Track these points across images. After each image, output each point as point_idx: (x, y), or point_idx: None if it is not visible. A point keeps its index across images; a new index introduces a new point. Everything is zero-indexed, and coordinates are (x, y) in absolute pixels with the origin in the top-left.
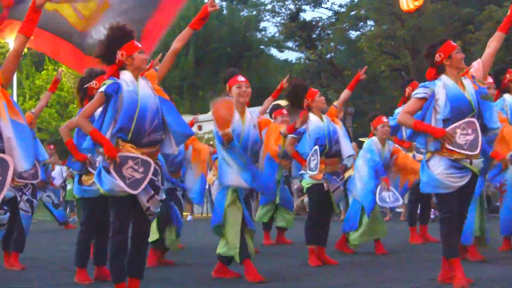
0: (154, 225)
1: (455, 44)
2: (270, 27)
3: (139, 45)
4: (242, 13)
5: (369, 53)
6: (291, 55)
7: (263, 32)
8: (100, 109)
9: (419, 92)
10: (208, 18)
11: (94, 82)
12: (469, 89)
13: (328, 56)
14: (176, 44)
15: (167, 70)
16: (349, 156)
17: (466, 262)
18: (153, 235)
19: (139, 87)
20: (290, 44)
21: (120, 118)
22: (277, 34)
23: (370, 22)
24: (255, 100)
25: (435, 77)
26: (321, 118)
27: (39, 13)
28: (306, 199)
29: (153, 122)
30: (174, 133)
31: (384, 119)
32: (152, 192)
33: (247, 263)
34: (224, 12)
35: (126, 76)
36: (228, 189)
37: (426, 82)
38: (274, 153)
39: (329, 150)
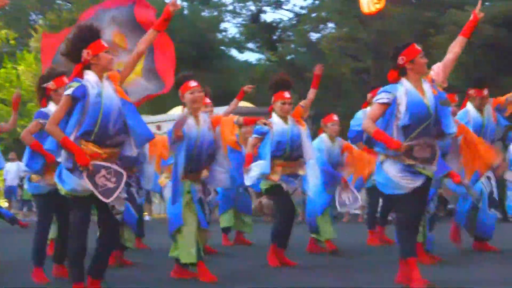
0: None
1: (419, 48)
2: (231, 28)
3: (106, 45)
4: (203, 14)
5: (330, 55)
6: (251, 57)
7: (224, 33)
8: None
9: (382, 97)
10: (171, 19)
11: (51, 82)
12: (428, 94)
13: (289, 57)
14: (140, 46)
15: (130, 72)
16: None
17: (425, 265)
18: None
19: (103, 89)
20: (251, 45)
21: (84, 122)
22: (238, 35)
23: (331, 24)
24: (217, 100)
25: (397, 80)
26: (286, 121)
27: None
28: (264, 200)
29: (116, 124)
30: (135, 135)
31: (335, 117)
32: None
33: (200, 264)
34: (186, 12)
35: (90, 77)
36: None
37: (388, 86)
38: (234, 143)
39: (289, 154)
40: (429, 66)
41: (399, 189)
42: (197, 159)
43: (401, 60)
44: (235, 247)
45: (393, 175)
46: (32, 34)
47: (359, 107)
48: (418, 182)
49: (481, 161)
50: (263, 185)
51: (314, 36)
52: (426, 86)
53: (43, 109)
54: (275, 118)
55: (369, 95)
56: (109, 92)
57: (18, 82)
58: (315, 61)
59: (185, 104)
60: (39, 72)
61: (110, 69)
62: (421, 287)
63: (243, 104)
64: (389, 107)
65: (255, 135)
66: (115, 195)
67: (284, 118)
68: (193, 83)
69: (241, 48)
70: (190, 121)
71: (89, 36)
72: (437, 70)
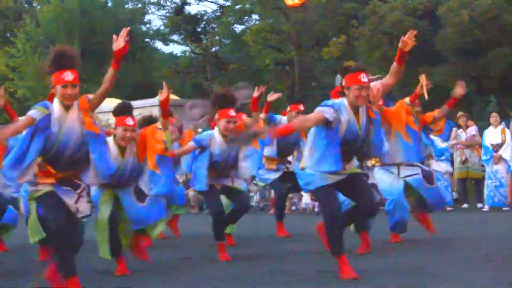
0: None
1: (361, 79)
2: (155, 20)
3: (69, 79)
4: (127, 6)
5: (254, 47)
6: (176, 49)
7: (148, 25)
8: None
9: (328, 112)
10: (122, 56)
11: None
12: (361, 117)
13: (213, 49)
14: (104, 85)
15: (99, 103)
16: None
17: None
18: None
19: (64, 123)
20: (175, 37)
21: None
22: (162, 27)
23: (255, 16)
24: (139, 93)
25: (338, 96)
26: (226, 140)
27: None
28: (191, 192)
29: (74, 156)
30: (97, 170)
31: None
32: (76, 194)
33: (119, 259)
34: (109, 4)
35: (55, 105)
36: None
37: (334, 103)
38: (162, 150)
39: (223, 169)
40: (352, 58)
41: (322, 179)
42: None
43: (343, 81)
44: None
45: (310, 166)
46: None
47: (283, 99)
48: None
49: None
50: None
51: (238, 28)
52: (362, 108)
53: None
54: (216, 136)
55: (288, 107)
56: (72, 124)
57: None
58: (239, 52)
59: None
60: None
61: (68, 105)
62: (352, 276)
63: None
64: (329, 124)
65: (193, 143)
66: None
67: (225, 138)
68: (130, 121)
69: (165, 40)
70: (114, 152)
71: (57, 63)
72: (376, 91)
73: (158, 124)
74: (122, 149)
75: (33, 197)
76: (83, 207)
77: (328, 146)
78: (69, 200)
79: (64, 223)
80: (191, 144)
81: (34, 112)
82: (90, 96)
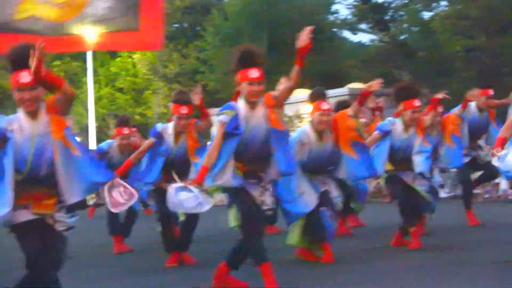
0: None
1: (252, 75)
2: (342, 9)
3: (254, 76)
4: None
5: (442, 33)
6: (364, 38)
7: (335, 15)
8: None
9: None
10: (307, 51)
11: None
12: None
13: (401, 37)
14: (289, 82)
15: (282, 103)
16: None
17: None
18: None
19: (252, 118)
20: (363, 26)
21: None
22: (349, 17)
23: (443, 2)
24: (327, 83)
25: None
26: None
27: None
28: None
29: (258, 152)
30: (279, 167)
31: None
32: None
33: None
34: None
35: (240, 104)
36: None
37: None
38: (355, 137)
39: (401, 160)
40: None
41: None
42: None
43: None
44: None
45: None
46: None
47: (472, 85)
48: None
49: None
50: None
51: (426, 15)
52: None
53: None
54: (398, 125)
55: (477, 92)
56: (256, 123)
57: (134, 71)
58: (427, 40)
59: (312, 121)
60: (155, 60)
61: (253, 101)
62: None
63: (357, 86)
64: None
65: (378, 132)
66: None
67: (406, 128)
68: (325, 106)
69: (353, 30)
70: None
71: (242, 61)
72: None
73: (349, 111)
74: (319, 135)
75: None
76: (268, 200)
77: None
78: (255, 192)
79: (255, 213)
80: (376, 133)
81: (223, 117)
82: (275, 93)
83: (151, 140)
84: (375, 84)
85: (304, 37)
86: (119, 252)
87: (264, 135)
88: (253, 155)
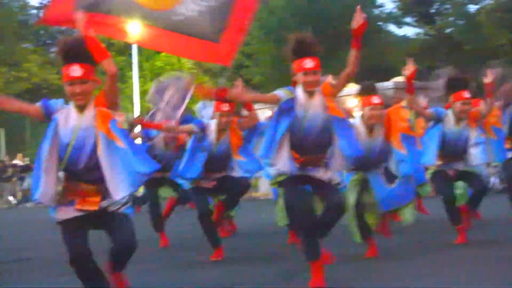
0: None
1: (306, 66)
2: (388, 3)
3: (309, 66)
4: None
5: (488, 27)
6: (409, 31)
7: (380, 8)
8: None
9: None
10: (363, 31)
11: None
12: None
13: (447, 31)
14: (347, 68)
15: (340, 90)
16: None
17: None
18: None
19: (310, 107)
20: (408, 19)
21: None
22: (395, 10)
23: None
24: (373, 76)
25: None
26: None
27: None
28: None
29: (317, 141)
30: (345, 154)
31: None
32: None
33: (370, 242)
34: None
35: (298, 92)
36: None
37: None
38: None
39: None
40: None
41: None
42: None
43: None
44: None
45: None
46: None
47: None
48: None
49: None
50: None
51: (472, 8)
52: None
53: None
54: (450, 116)
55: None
56: (315, 111)
57: (178, 65)
58: (472, 33)
59: (362, 116)
60: None
61: (309, 90)
62: None
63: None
64: None
65: (432, 111)
66: None
67: (459, 120)
68: (376, 100)
69: (398, 23)
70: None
71: (297, 51)
72: None
73: (403, 103)
74: (370, 130)
75: (276, 182)
76: (335, 176)
77: None
78: (317, 173)
79: (307, 207)
80: (430, 110)
81: (281, 92)
82: (333, 80)
83: (196, 127)
84: (411, 67)
85: (359, 17)
86: (165, 246)
87: (322, 124)
88: (310, 145)
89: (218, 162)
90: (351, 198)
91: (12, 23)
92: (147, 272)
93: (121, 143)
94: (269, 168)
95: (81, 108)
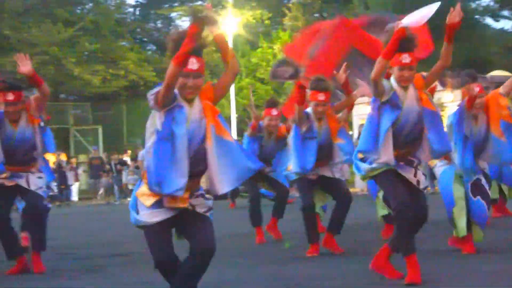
0: None
1: (403, 61)
2: None
3: (406, 61)
4: None
5: None
6: (506, 24)
7: (477, 2)
8: None
9: None
10: (456, 29)
11: None
12: None
13: None
14: (440, 61)
15: (430, 84)
16: None
17: None
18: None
19: (405, 100)
20: (505, 13)
21: None
22: (491, 4)
23: None
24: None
25: None
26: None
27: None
28: None
29: (410, 134)
30: (434, 147)
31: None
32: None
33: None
34: None
35: (393, 85)
36: None
37: None
38: (507, 116)
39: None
40: None
41: None
42: None
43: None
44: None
45: None
46: (286, 13)
47: None
48: None
49: None
50: None
51: None
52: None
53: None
54: None
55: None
56: (410, 104)
57: (274, 61)
58: None
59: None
60: None
61: (404, 86)
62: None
63: (498, 73)
64: None
65: None
66: None
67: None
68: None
69: (495, 17)
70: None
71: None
72: None
73: (500, 89)
74: (475, 118)
75: (369, 176)
76: (422, 179)
77: None
78: (408, 174)
79: (407, 198)
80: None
81: (386, 83)
82: (424, 73)
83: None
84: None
85: (456, 13)
86: (261, 242)
87: (416, 117)
88: (405, 138)
89: (322, 150)
90: (459, 190)
91: (109, 21)
92: (242, 266)
93: (229, 137)
94: (360, 163)
95: (190, 101)
